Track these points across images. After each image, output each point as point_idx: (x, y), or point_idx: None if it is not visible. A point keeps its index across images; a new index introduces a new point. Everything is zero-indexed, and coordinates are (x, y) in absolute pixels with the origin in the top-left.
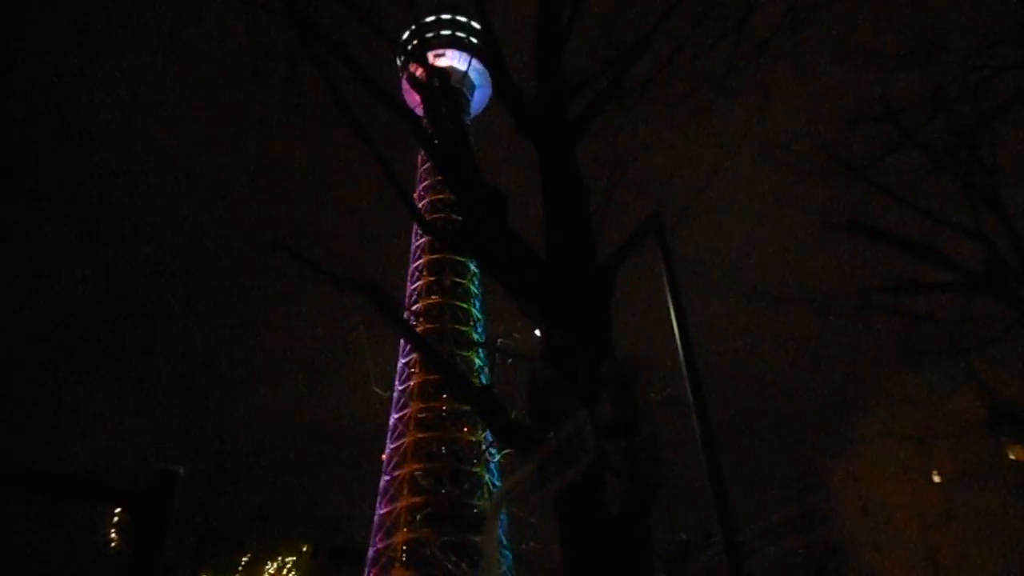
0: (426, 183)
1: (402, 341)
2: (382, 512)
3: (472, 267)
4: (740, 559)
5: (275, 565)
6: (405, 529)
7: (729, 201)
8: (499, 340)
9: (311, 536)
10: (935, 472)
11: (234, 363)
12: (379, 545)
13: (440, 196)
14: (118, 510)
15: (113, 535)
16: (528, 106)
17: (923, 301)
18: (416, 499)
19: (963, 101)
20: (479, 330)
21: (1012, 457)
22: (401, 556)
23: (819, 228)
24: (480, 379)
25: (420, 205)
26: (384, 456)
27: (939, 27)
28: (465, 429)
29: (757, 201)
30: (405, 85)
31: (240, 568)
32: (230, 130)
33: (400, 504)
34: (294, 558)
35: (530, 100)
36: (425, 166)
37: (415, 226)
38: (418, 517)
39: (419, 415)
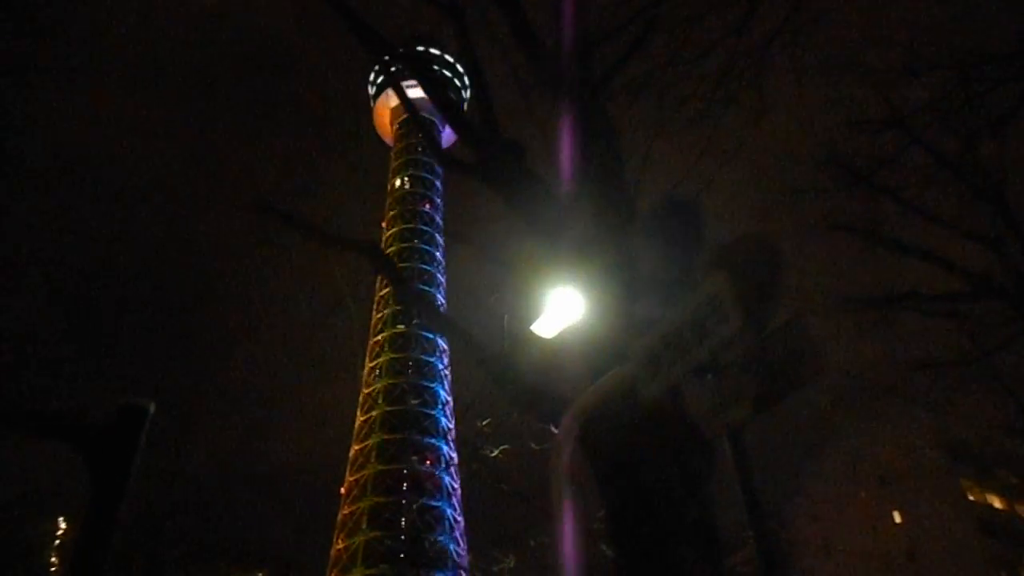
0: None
1: (365, 374)
2: (339, 547)
3: (439, 297)
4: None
5: None
6: (362, 566)
7: (723, 210)
8: (505, 316)
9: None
10: (896, 511)
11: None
12: None
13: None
14: (59, 532)
15: (54, 560)
16: (550, 56)
17: (911, 320)
18: (375, 533)
19: (966, 110)
20: (444, 360)
21: (971, 498)
22: None
23: (817, 232)
24: (444, 413)
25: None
26: (343, 489)
27: (933, 43)
28: (428, 462)
29: (753, 210)
30: (376, 114)
31: None
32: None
33: (358, 539)
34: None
35: (551, 51)
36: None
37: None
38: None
39: (381, 447)
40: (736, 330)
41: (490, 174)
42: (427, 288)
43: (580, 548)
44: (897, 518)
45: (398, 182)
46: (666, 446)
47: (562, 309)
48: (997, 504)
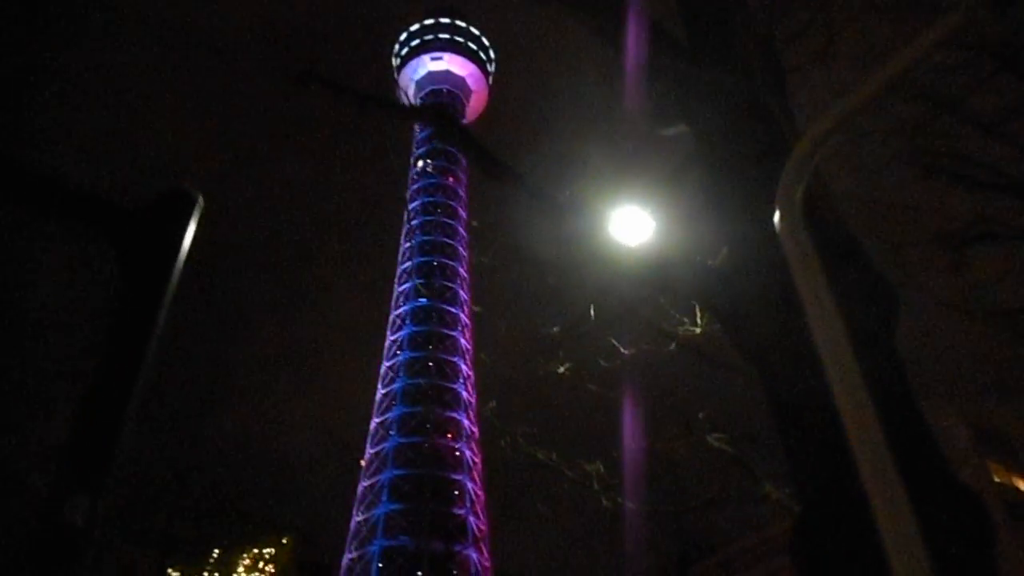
0: None
1: (386, 347)
2: (358, 520)
3: (461, 271)
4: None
5: (249, 558)
6: (383, 537)
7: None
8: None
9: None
10: None
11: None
12: (353, 554)
13: None
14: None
15: None
16: None
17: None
18: (396, 506)
19: None
20: (466, 335)
21: (998, 479)
22: (377, 565)
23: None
24: (465, 387)
25: None
26: (363, 461)
27: None
28: (449, 435)
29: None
30: (399, 84)
31: (212, 559)
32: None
33: (378, 511)
34: (272, 550)
35: None
36: None
37: (405, 229)
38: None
39: (402, 419)
40: None
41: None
42: (449, 261)
43: None
44: None
45: (420, 163)
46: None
47: (625, 232)
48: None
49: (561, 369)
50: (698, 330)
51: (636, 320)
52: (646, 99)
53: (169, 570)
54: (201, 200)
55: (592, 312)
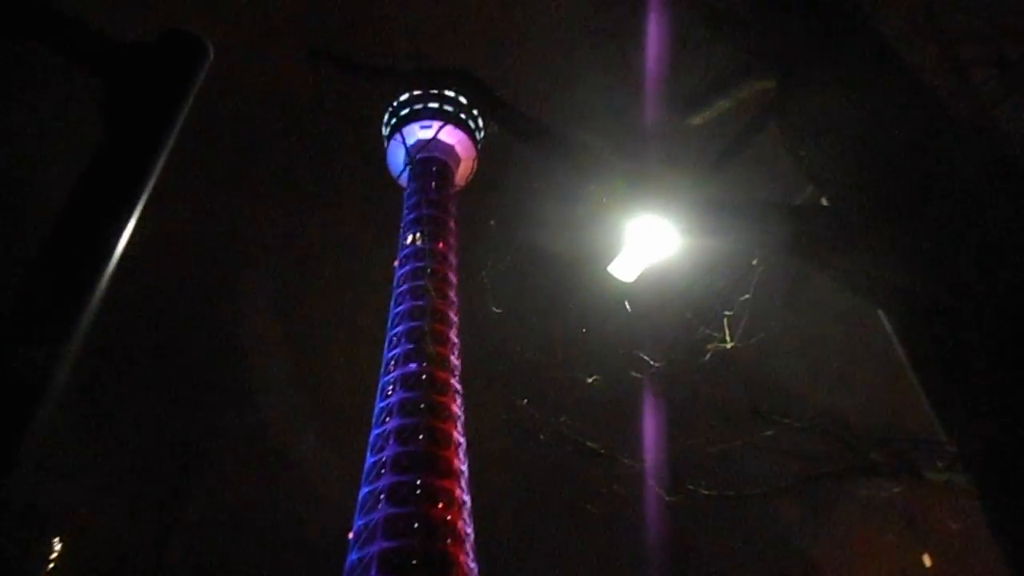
0: None
1: (376, 413)
2: None
3: (452, 337)
4: None
5: None
6: None
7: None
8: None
9: None
10: (926, 555)
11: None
12: None
13: None
14: (54, 554)
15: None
16: None
17: None
18: None
19: None
20: (457, 401)
21: None
22: None
23: None
24: (457, 455)
25: None
26: (351, 533)
27: None
28: (440, 504)
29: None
30: (390, 153)
31: None
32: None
33: None
34: None
35: None
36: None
37: (394, 294)
38: None
39: (392, 489)
40: None
41: None
42: (440, 326)
43: None
44: (927, 561)
45: (410, 238)
46: None
47: (647, 245)
48: None
49: (590, 380)
50: (729, 345)
51: (662, 333)
52: (673, 82)
53: None
54: (211, 51)
55: (627, 306)
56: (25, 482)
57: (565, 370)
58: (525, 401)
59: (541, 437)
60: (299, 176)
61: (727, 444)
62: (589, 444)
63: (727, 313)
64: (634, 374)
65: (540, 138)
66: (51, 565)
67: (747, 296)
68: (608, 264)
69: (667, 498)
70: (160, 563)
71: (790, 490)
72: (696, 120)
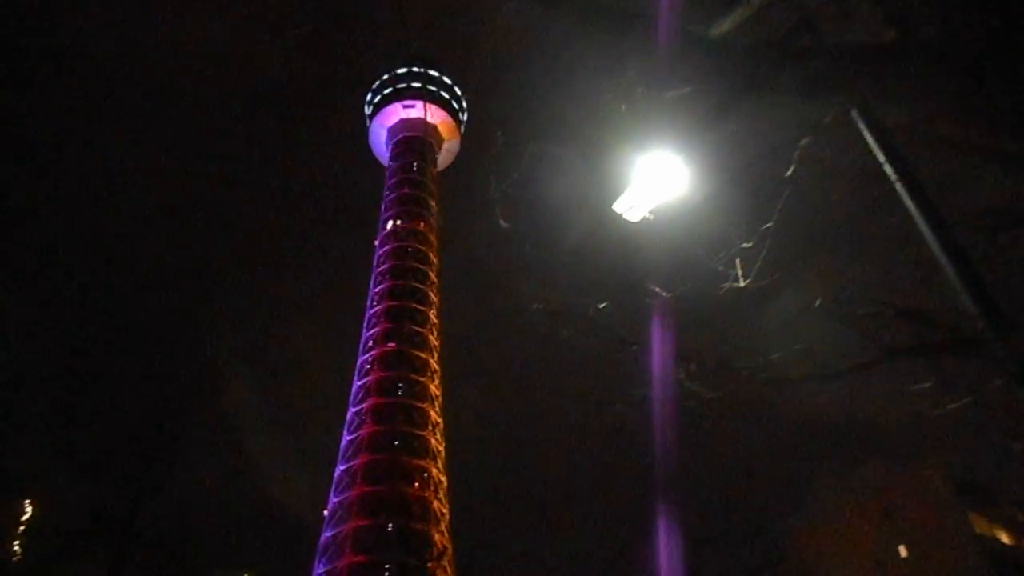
0: None
1: (353, 392)
2: (320, 572)
3: (432, 317)
4: None
5: None
6: None
7: None
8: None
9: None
10: (902, 546)
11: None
12: None
13: None
14: (25, 516)
15: (17, 546)
16: None
17: None
18: (360, 558)
19: None
20: (436, 381)
21: (979, 531)
22: None
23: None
24: (434, 435)
25: None
26: (326, 511)
27: None
28: (416, 483)
29: None
30: (372, 131)
31: None
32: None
33: (341, 563)
34: None
35: None
36: None
37: (374, 273)
38: None
39: (368, 467)
40: None
41: None
42: (420, 307)
43: None
44: (903, 552)
45: (390, 225)
46: None
47: (655, 181)
48: (1006, 539)
49: (601, 306)
50: (742, 283)
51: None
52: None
53: None
54: None
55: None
56: None
57: (570, 295)
58: (537, 306)
59: (570, 330)
60: (274, 166)
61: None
62: (621, 333)
63: (744, 244)
64: (647, 300)
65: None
66: (22, 528)
67: (768, 225)
68: (614, 201)
69: (707, 394)
70: (132, 526)
71: (853, 371)
72: (719, 30)
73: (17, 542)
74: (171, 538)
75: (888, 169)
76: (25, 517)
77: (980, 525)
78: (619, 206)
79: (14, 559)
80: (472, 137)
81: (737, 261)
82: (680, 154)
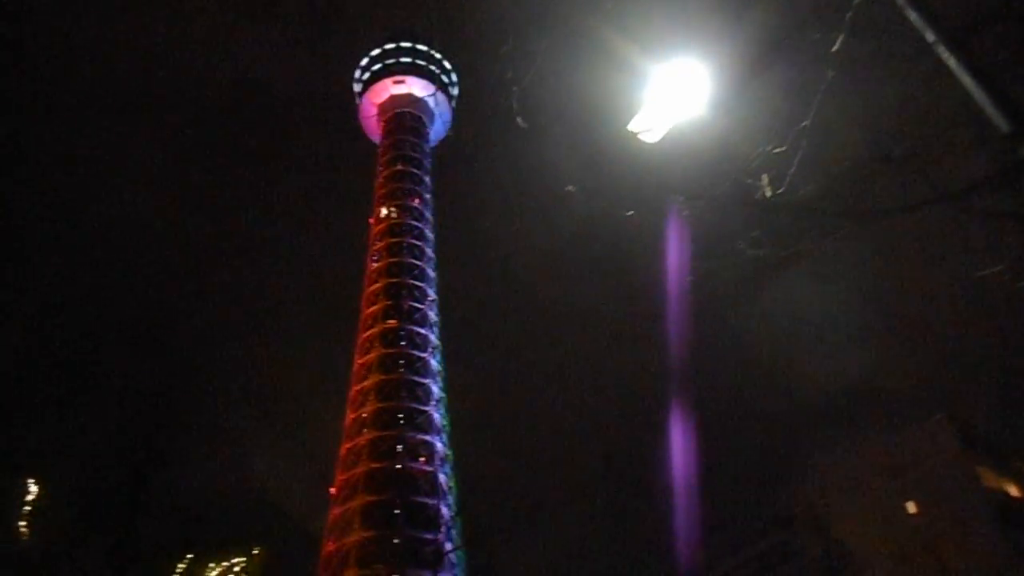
0: None
1: (355, 371)
2: (330, 549)
3: (430, 292)
4: None
5: (218, 569)
6: (355, 567)
7: None
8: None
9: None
10: (911, 502)
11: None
12: None
13: None
14: (29, 496)
15: (24, 526)
16: None
17: None
18: (368, 533)
19: None
20: (437, 357)
21: (987, 485)
22: None
23: None
24: (438, 410)
25: None
26: (333, 488)
27: None
28: (422, 459)
29: None
30: (362, 109)
31: (178, 571)
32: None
33: (350, 539)
34: (243, 560)
35: None
36: None
37: (371, 250)
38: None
39: (373, 444)
40: None
41: None
42: (418, 283)
43: None
44: (912, 508)
45: (384, 211)
46: None
47: (674, 95)
48: (1014, 492)
49: (628, 213)
50: (768, 193)
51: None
52: None
53: None
54: None
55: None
56: None
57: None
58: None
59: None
60: (271, 151)
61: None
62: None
63: (776, 149)
64: (670, 199)
65: None
66: (27, 508)
67: (805, 123)
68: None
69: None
70: (136, 504)
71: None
72: None
73: (24, 522)
74: (177, 518)
75: (940, 50)
76: (30, 497)
77: (988, 479)
78: (635, 126)
79: (21, 539)
80: (472, 91)
81: (765, 178)
82: (701, 60)
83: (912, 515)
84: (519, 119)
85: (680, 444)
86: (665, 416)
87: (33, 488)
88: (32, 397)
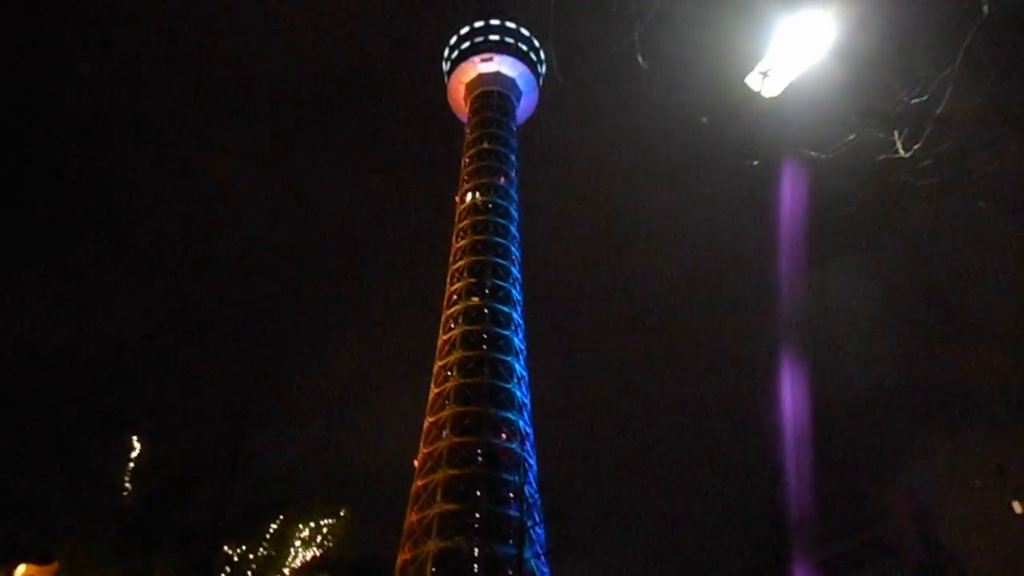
0: None
1: (439, 347)
2: (412, 520)
3: (514, 271)
4: None
5: (307, 530)
6: (437, 538)
7: None
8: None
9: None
10: (1016, 502)
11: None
12: (407, 555)
13: None
14: (133, 453)
15: (127, 483)
16: None
17: None
18: (450, 506)
19: None
20: (520, 335)
21: None
22: (431, 567)
23: None
24: (520, 388)
25: None
26: (416, 461)
27: None
28: (503, 435)
29: None
30: (451, 89)
31: (269, 534)
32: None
33: (432, 511)
34: (331, 521)
35: None
36: None
37: (456, 228)
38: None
39: (456, 419)
40: None
41: None
42: (502, 261)
43: None
44: (1017, 508)
45: (469, 196)
46: None
47: (799, 48)
48: None
49: (754, 163)
50: (903, 154)
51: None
52: None
53: (225, 547)
54: None
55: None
56: (106, 386)
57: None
58: (704, 119)
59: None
60: (356, 142)
61: None
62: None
63: (913, 100)
64: (799, 151)
65: None
66: (131, 465)
67: (947, 71)
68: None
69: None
70: (235, 465)
71: None
72: None
73: (128, 478)
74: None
75: None
76: (134, 455)
77: None
78: (753, 80)
79: (124, 494)
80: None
81: (896, 135)
82: (828, 9)
83: (1017, 515)
84: (639, 58)
85: (791, 419)
86: (769, 398)
87: (136, 445)
88: (147, 362)
